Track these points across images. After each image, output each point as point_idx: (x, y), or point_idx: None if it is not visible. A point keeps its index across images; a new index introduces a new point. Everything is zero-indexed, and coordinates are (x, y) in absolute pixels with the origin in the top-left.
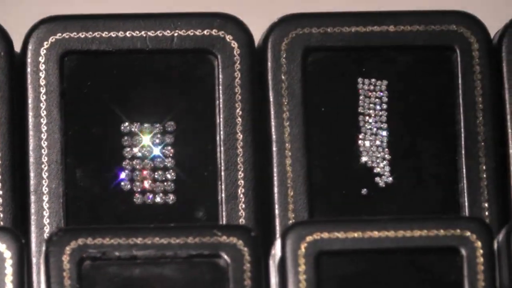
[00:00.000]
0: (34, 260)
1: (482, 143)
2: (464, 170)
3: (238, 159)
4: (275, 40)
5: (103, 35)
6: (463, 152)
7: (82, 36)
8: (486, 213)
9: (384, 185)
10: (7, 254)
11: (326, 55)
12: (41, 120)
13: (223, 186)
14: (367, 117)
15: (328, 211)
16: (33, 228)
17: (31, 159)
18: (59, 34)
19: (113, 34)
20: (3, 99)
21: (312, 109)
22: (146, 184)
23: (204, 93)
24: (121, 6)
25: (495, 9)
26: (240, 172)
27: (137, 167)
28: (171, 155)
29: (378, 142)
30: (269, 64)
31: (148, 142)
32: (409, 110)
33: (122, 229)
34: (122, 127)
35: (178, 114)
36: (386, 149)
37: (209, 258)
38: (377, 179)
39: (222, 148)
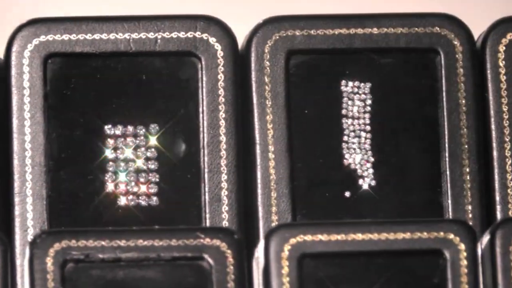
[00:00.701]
0: (18, 262)
1: (466, 146)
2: (448, 173)
3: (222, 161)
4: (258, 43)
5: (87, 37)
6: (446, 154)
7: (66, 38)
8: (470, 216)
9: (367, 188)
10: None
11: (309, 58)
12: (25, 122)
13: (206, 189)
14: (350, 120)
15: (312, 214)
16: (17, 230)
17: (15, 162)
18: (43, 36)
19: (96, 36)
20: None
21: (295, 111)
22: (130, 186)
23: (187, 95)
24: (105, 8)
25: (479, 12)
26: (223, 175)
27: (121, 169)
28: (154, 157)
29: (361, 145)
30: (253, 66)
31: (131, 145)
32: (392, 112)
33: (105, 232)
34: (106, 130)
35: (161, 116)
36: (370, 152)
37: (192, 260)
38: (361, 181)
39: (205, 151)
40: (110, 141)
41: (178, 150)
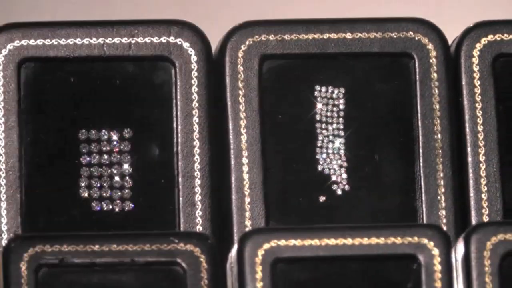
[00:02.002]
0: None
1: (440, 150)
2: (422, 177)
3: (195, 166)
4: (232, 48)
5: (61, 42)
6: (420, 159)
7: (40, 43)
8: (444, 221)
9: (341, 193)
10: None
11: (283, 63)
12: None
13: (180, 193)
14: (324, 125)
15: (285, 219)
16: None
17: None
18: (17, 41)
19: (70, 41)
20: None
21: (269, 116)
22: (104, 191)
23: (161, 100)
24: (79, 13)
25: (453, 16)
26: (197, 179)
27: (95, 174)
28: (128, 162)
29: (335, 150)
30: (226, 71)
31: (105, 149)
32: (366, 117)
33: (79, 236)
34: (80, 134)
35: (135, 121)
36: (343, 157)
37: (166, 265)
38: (334, 186)
39: (179, 155)
40: (84, 146)
41: (152, 155)
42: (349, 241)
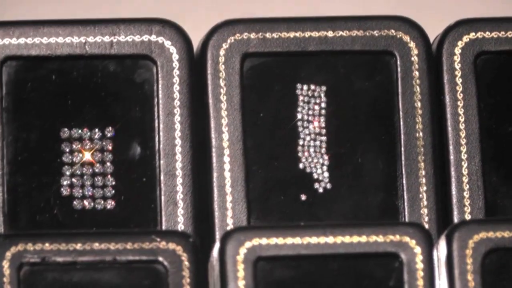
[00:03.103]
0: None
1: (421, 148)
2: (404, 176)
3: (177, 164)
4: (213, 46)
5: (43, 40)
6: (402, 157)
7: (22, 42)
8: (426, 219)
9: (323, 191)
10: None
11: (264, 61)
12: None
13: (162, 192)
14: (306, 123)
15: (267, 217)
16: None
17: None
18: None
19: (52, 40)
20: None
21: (251, 114)
22: (86, 189)
23: (143, 98)
24: (61, 11)
25: (434, 14)
26: (178, 178)
27: (77, 172)
28: (110, 161)
29: (317, 148)
30: (208, 69)
31: (87, 148)
32: (348, 115)
33: (61, 235)
34: (62, 133)
35: (117, 119)
36: (325, 155)
37: (148, 263)
38: (316, 184)
39: (161, 154)
40: (66, 144)
41: (133, 154)
42: (331, 239)
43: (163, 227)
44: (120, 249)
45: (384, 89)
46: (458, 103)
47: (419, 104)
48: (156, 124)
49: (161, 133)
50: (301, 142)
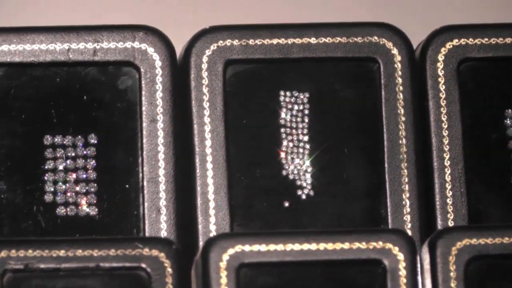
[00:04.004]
0: None
1: (404, 155)
2: (387, 182)
3: (160, 171)
4: (196, 53)
5: (26, 47)
6: (385, 164)
7: (5, 48)
8: (409, 225)
9: (306, 198)
10: None
11: (247, 67)
12: None
13: (145, 199)
14: (289, 130)
15: (250, 224)
16: None
17: None
18: None
19: (35, 46)
20: None
21: (234, 121)
22: (69, 196)
23: (126, 105)
24: (44, 18)
25: (417, 21)
26: (161, 185)
27: (60, 179)
28: (93, 167)
29: (300, 155)
30: (191, 76)
31: (70, 155)
32: (331, 122)
33: (45, 242)
34: (45, 140)
35: (100, 126)
36: (308, 162)
37: (131, 270)
38: (299, 191)
39: (144, 161)
40: (49, 151)
41: (116, 160)
42: (314, 246)
43: (146, 234)
44: (103, 256)
45: (367, 96)
46: (441, 109)
47: (402, 110)
48: (139, 131)
49: (144, 140)
50: (284, 149)
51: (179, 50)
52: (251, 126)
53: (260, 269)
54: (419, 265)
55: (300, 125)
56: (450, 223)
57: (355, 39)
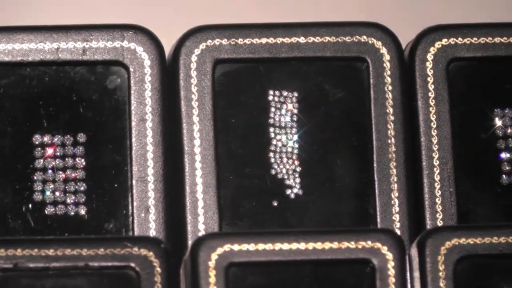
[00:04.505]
0: None
1: (393, 155)
2: (376, 182)
3: (149, 170)
4: (185, 52)
5: (15, 47)
6: (374, 163)
7: None
8: (398, 225)
9: (294, 197)
10: None
11: (236, 67)
12: None
13: (133, 198)
14: (277, 129)
15: (239, 223)
16: None
17: None
18: None
19: (24, 45)
20: None
21: (222, 120)
22: (58, 195)
23: (115, 104)
24: (33, 18)
25: (407, 20)
26: (150, 184)
27: (49, 178)
28: (82, 166)
29: (288, 154)
30: (180, 76)
31: (59, 154)
32: (320, 121)
33: (34, 241)
34: (34, 139)
35: (89, 125)
36: (297, 161)
37: (120, 269)
38: (288, 191)
39: (132, 160)
40: (38, 150)
41: (105, 160)
42: (302, 245)
43: (135, 233)
44: (92, 255)
45: (356, 95)
46: (430, 109)
47: (391, 110)
48: (128, 130)
49: (133, 139)
50: (272, 148)
51: (168, 49)
52: (240, 126)
53: (249, 269)
54: (408, 265)
55: (289, 125)
56: (439, 223)
57: (344, 38)
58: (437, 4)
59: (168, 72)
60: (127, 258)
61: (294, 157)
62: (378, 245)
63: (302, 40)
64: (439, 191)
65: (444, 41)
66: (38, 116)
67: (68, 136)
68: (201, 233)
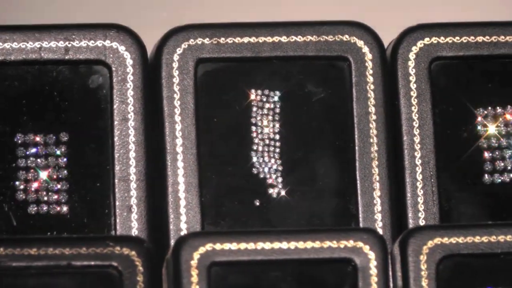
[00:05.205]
0: None
1: (375, 154)
2: (358, 181)
3: (131, 170)
4: (167, 51)
5: None
6: (356, 162)
7: None
8: (380, 224)
9: (276, 196)
10: None
11: (218, 66)
12: None
13: (116, 197)
14: (259, 128)
15: (221, 222)
16: None
17: None
18: None
19: (7, 45)
20: None
21: (204, 120)
22: (40, 194)
23: (97, 104)
24: (16, 17)
25: (389, 20)
26: (132, 183)
27: (31, 177)
28: (64, 166)
29: (271, 153)
30: (162, 75)
31: (42, 153)
32: (302, 120)
33: (16, 240)
34: (16, 138)
35: (71, 124)
36: (279, 160)
37: (102, 268)
38: (270, 190)
39: (115, 159)
40: (21, 150)
41: (88, 159)
42: (285, 244)
43: (118, 232)
44: (75, 254)
45: (338, 94)
46: (413, 108)
47: (373, 109)
48: (110, 129)
49: (115, 138)
50: (254, 147)
51: (150, 48)
52: (222, 125)
53: (231, 268)
54: (390, 264)
55: (271, 124)
56: (421, 222)
57: (326, 37)
58: (419, 3)
59: (151, 71)
60: (109, 257)
61: (276, 156)
62: (360, 244)
63: (284, 39)
64: (421, 190)
65: (426, 40)
66: (21, 115)
67: (51, 135)
68: (183, 232)
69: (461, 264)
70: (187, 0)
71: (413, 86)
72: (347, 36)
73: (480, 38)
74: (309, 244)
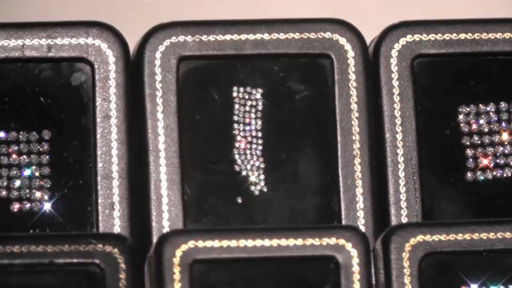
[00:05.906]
0: None
1: (357, 151)
2: (340, 178)
3: (113, 167)
4: (149, 49)
5: None
6: (338, 160)
7: None
8: (362, 222)
9: (259, 194)
10: None
11: (201, 64)
12: None
13: (98, 194)
14: (242, 126)
15: (203, 220)
16: None
17: None
18: None
19: None
20: None
21: (187, 117)
22: (22, 192)
23: (79, 101)
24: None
25: (371, 17)
26: (115, 181)
27: (14, 175)
28: (47, 163)
29: (253, 151)
30: (144, 72)
31: (24, 150)
32: (284, 118)
33: None
34: None
35: (54, 122)
36: (261, 158)
37: (84, 266)
38: (252, 187)
39: (97, 157)
40: (3, 147)
41: (70, 156)
42: (267, 242)
43: (100, 230)
44: (57, 252)
45: (321, 92)
46: (395, 105)
47: (355, 106)
48: (93, 127)
49: (97, 136)
50: (237, 145)
51: (132, 46)
52: (205, 122)
53: (213, 265)
54: (372, 261)
55: (253, 121)
56: (404, 219)
57: (308, 35)
58: (401, 0)
59: (133, 69)
60: (91, 254)
61: (258, 153)
62: (342, 241)
63: (266, 36)
64: (404, 187)
65: (409, 38)
66: (3, 112)
67: (33, 132)
68: (166, 229)
69: (443, 262)
70: None
71: (395, 83)
72: (329, 34)
73: (462, 36)
74: (291, 242)
